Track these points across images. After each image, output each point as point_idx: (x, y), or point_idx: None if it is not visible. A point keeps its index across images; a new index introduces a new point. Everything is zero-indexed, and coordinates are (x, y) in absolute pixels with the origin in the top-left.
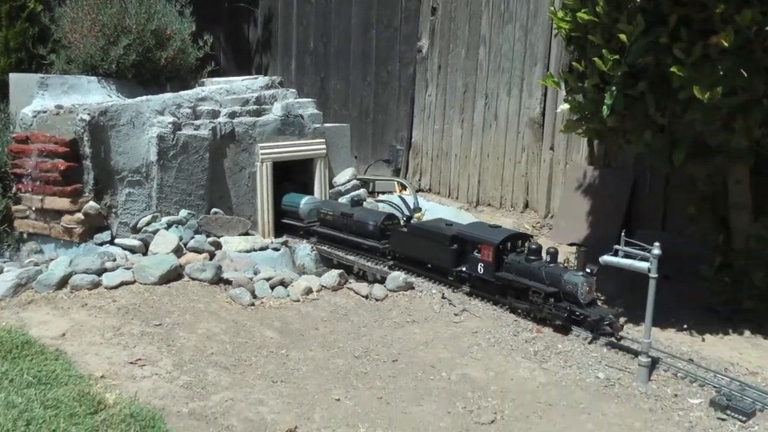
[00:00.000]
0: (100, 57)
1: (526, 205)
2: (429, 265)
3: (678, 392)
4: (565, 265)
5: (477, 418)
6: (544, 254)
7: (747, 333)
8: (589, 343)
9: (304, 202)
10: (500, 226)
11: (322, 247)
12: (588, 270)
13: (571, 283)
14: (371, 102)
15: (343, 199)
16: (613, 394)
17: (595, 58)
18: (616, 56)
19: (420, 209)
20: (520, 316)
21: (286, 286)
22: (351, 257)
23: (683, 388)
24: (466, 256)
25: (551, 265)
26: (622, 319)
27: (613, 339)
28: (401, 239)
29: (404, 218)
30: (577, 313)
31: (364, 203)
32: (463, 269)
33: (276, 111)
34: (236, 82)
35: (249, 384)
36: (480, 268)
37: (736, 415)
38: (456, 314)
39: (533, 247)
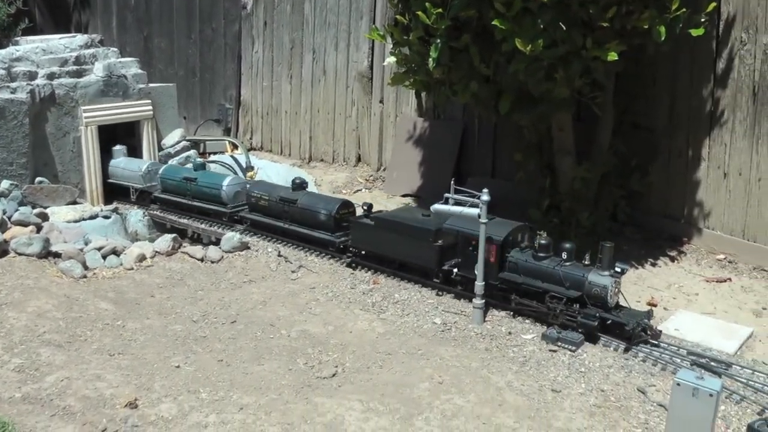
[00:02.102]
0: None
1: (359, 159)
2: (403, 265)
3: (512, 330)
4: (585, 262)
5: (318, 373)
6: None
7: None
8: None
9: (228, 183)
10: (494, 217)
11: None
12: (618, 269)
13: (598, 285)
14: (197, 60)
15: (173, 161)
16: (450, 337)
17: (419, 12)
18: (439, 10)
19: (252, 168)
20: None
21: (118, 255)
22: (184, 220)
23: (516, 325)
24: (455, 254)
25: (568, 263)
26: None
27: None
28: (365, 233)
29: (365, 207)
30: (609, 321)
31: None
32: (455, 270)
33: (98, 71)
34: (53, 40)
35: (85, 360)
36: (478, 269)
37: (566, 346)
38: (293, 271)
39: (543, 242)
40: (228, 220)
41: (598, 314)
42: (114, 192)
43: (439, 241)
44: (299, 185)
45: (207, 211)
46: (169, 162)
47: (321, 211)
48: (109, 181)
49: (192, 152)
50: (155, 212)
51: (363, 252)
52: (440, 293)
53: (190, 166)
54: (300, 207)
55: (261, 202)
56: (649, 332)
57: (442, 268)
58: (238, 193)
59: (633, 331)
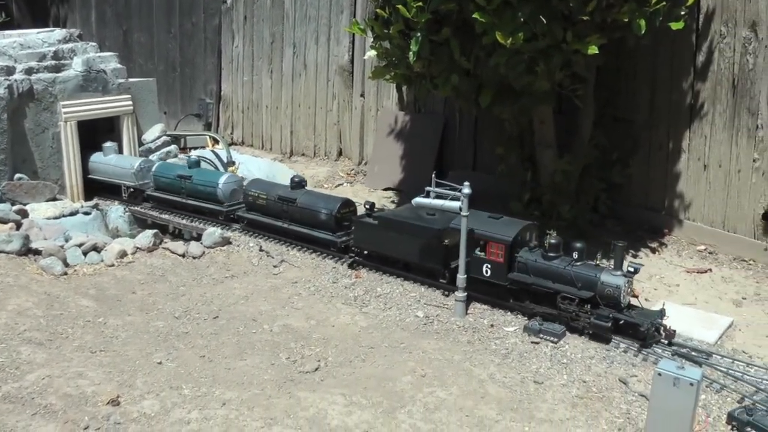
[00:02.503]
0: None
1: (340, 153)
2: (408, 265)
3: (494, 322)
4: (597, 262)
5: (301, 368)
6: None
7: None
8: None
9: (225, 180)
10: (502, 216)
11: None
12: (631, 268)
13: (611, 285)
14: (177, 55)
15: (153, 157)
16: (433, 330)
17: (399, 5)
18: (420, 3)
19: (234, 163)
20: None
21: (99, 251)
22: (165, 216)
23: (498, 318)
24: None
25: (579, 263)
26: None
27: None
28: (368, 233)
29: (367, 206)
30: (622, 321)
31: (176, 159)
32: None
33: (77, 66)
34: (31, 35)
35: (66, 358)
36: (486, 270)
37: (548, 338)
38: (275, 266)
39: (553, 241)
40: (224, 219)
41: (611, 315)
42: (104, 189)
43: (446, 241)
44: (298, 183)
45: (202, 209)
46: (150, 157)
47: (322, 211)
48: (98, 178)
49: (173, 147)
50: (136, 208)
51: (366, 252)
52: (446, 293)
53: (178, 160)
54: (300, 206)
55: (259, 201)
56: (663, 332)
57: (449, 268)
58: (234, 191)
59: (647, 332)
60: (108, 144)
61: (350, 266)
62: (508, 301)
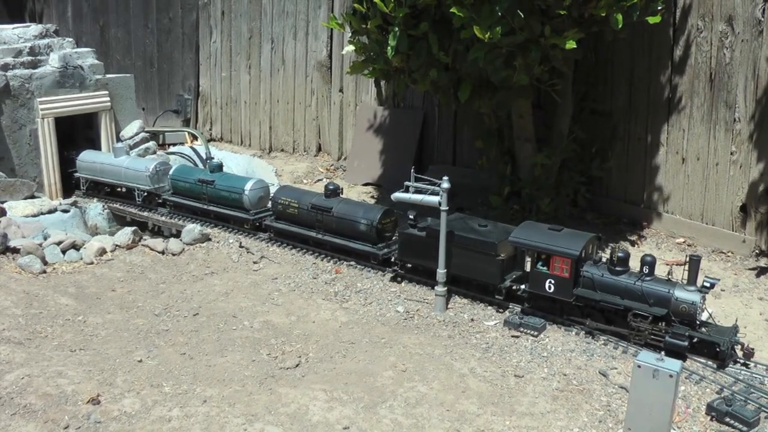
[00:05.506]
0: None
1: (319, 149)
2: (456, 279)
3: (474, 317)
4: (669, 277)
5: (282, 364)
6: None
7: None
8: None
9: (251, 186)
10: (562, 228)
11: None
12: (707, 283)
13: (686, 302)
14: (155, 50)
15: (132, 153)
16: (413, 325)
17: (377, 0)
18: None
19: (212, 159)
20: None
21: (78, 249)
22: (145, 213)
23: (479, 312)
24: (513, 267)
25: (649, 278)
26: None
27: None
28: (414, 245)
29: (411, 216)
30: (696, 339)
31: (155, 155)
32: (522, 287)
33: (53, 62)
34: (6, 30)
35: (46, 357)
36: (549, 286)
37: (528, 331)
38: (255, 262)
39: (620, 255)
40: (251, 228)
41: (687, 333)
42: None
43: (501, 255)
44: (333, 191)
45: (227, 217)
46: (131, 153)
47: (361, 221)
48: (105, 180)
49: (151, 144)
50: (115, 205)
51: (409, 266)
52: (500, 310)
53: (157, 156)
54: (336, 216)
55: (289, 209)
56: (741, 350)
57: (504, 284)
58: (261, 198)
59: (726, 352)
60: (119, 145)
61: (392, 279)
62: (571, 317)
